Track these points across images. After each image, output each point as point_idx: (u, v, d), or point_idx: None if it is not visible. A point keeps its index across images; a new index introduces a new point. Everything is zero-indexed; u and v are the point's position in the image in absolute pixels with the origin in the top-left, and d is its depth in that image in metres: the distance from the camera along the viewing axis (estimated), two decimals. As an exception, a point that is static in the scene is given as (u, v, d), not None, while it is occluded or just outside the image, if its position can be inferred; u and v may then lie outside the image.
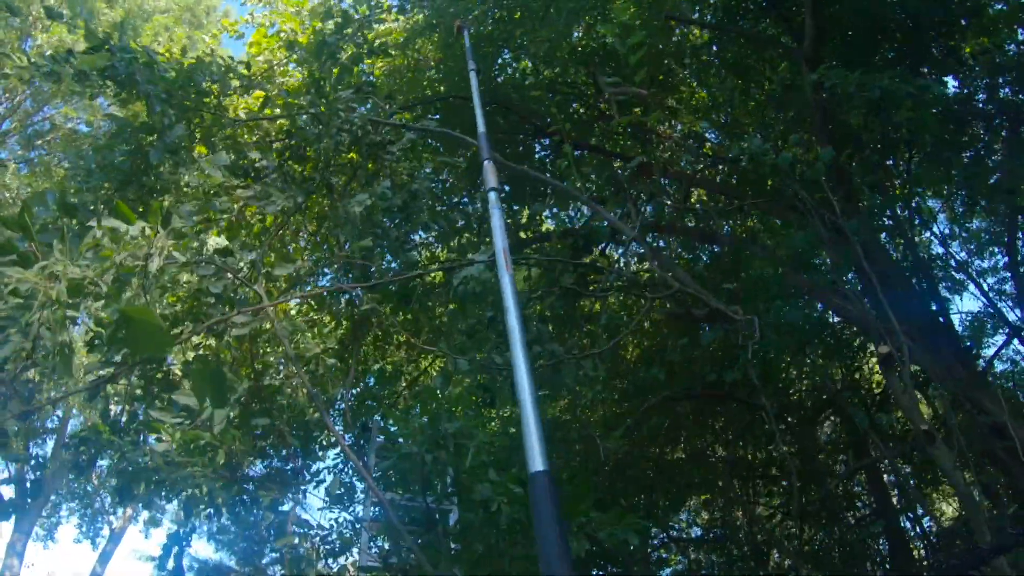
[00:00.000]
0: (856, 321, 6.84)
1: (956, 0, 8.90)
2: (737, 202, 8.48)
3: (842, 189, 7.46)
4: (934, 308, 7.30)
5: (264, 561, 14.17)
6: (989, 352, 10.89)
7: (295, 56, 7.60)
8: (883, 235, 8.18)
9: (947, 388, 5.61)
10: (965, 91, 9.55)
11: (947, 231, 11.70)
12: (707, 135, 11.84)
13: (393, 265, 7.27)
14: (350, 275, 6.44)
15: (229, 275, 5.25)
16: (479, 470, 5.83)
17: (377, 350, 11.07)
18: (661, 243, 10.53)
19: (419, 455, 5.48)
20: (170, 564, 6.39)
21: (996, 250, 12.08)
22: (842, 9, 8.92)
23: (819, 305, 8.05)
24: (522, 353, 2.02)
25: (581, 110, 11.71)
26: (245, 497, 7.51)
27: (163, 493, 6.10)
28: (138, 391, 5.77)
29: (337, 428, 8.10)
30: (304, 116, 6.70)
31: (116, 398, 6.11)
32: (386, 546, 6.27)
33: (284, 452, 7.43)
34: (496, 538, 5.42)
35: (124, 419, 5.84)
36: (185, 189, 6.62)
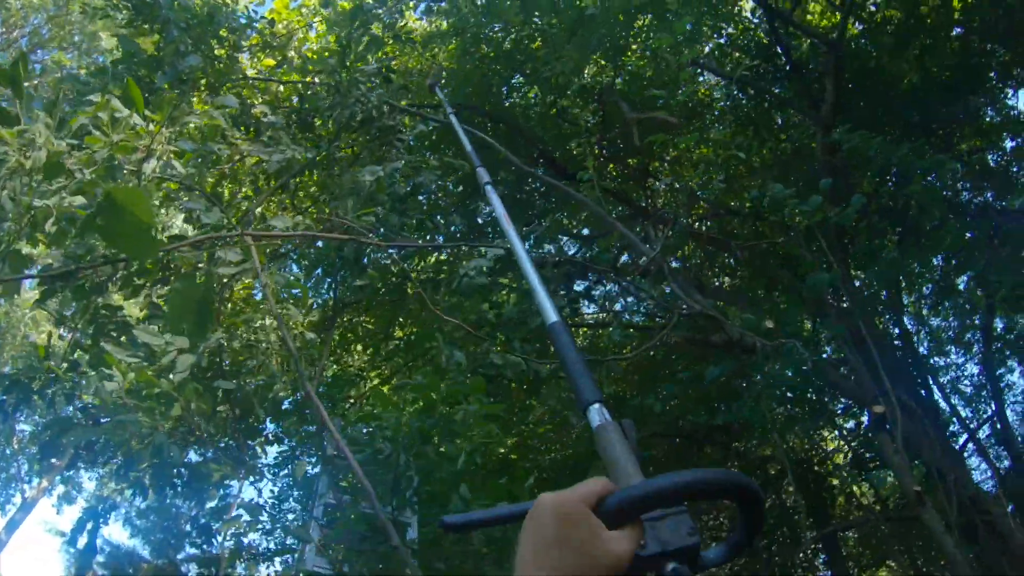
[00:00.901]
0: (848, 391, 6.83)
1: (960, 99, 9.24)
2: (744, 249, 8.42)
3: (840, 253, 7.53)
4: (918, 380, 7.33)
5: (179, 556, 13.50)
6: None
7: (328, 14, 7.41)
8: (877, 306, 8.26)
9: (930, 459, 5.60)
10: (959, 186, 9.90)
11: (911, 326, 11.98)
12: (702, 188, 11.95)
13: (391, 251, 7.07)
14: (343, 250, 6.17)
15: (218, 211, 4.88)
16: (451, 481, 5.51)
17: (342, 348, 10.77)
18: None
19: (393, 454, 5.13)
20: (82, 542, 5.89)
21: (953, 349, 12.40)
22: (858, 87, 9.19)
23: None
24: (517, 238, 2.09)
25: (582, 146, 11.75)
26: (178, 481, 7.04)
27: (97, 448, 5.63)
28: (88, 330, 5.23)
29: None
30: (320, 82, 6.49)
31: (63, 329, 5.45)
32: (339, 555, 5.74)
33: (242, 426, 6.97)
34: (463, 558, 5.09)
35: (67, 354, 5.17)
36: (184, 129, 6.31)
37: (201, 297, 3.65)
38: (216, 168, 6.46)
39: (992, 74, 9.65)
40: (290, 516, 7.87)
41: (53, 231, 3.56)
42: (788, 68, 9.18)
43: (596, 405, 1.29)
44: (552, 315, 1.59)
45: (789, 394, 6.52)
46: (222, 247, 4.77)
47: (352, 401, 10.13)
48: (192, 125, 5.02)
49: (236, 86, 6.95)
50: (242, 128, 6.46)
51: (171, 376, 4.28)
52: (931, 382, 8.82)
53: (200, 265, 4.92)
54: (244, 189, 8.01)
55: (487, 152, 7.39)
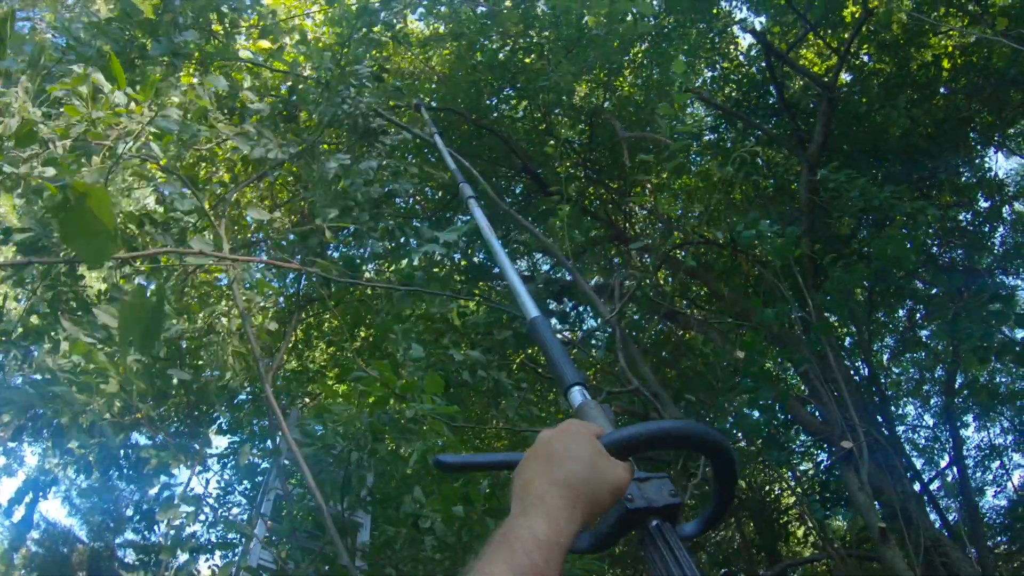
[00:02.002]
0: (813, 427, 6.85)
1: (941, 155, 9.46)
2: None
3: (813, 291, 7.60)
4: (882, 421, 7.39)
5: (117, 540, 13.05)
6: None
7: (333, 9, 7.30)
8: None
9: (893, 499, 5.61)
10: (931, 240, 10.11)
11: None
12: (680, 218, 12.05)
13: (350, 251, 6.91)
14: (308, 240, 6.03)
15: (194, 199, 4.72)
16: (405, 483, 5.34)
17: (304, 344, 10.59)
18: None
19: (344, 450, 4.95)
20: (18, 514, 5.62)
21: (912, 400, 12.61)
22: (846, 131, 9.35)
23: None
24: (500, 249, 2.13)
25: (568, 166, 11.79)
26: (124, 463, 6.77)
27: (41, 422, 5.39)
28: (43, 302, 4.99)
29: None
30: (312, 74, 6.37)
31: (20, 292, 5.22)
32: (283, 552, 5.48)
33: (195, 413, 6.76)
34: (413, 563, 4.91)
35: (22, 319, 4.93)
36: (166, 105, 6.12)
37: (151, 311, 3.43)
38: (195, 148, 6.30)
39: (972, 135, 9.91)
40: (235, 510, 7.59)
41: (20, 202, 3.39)
42: (778, 106, 9.29)
43: (578, 387, 1.37)
44: (533, 310, 1.66)
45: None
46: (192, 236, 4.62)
47: (308, 399, 9.94)
48: (176, 101, 4.88)
49: (227, 66, 6.81)
50: (225, 111, 6.30)
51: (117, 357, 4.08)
52: (894, 427, 8.92)
53: (166, 248, 4.76)
54: (221, 173, 7.83)
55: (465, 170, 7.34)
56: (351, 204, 5.77)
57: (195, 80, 5.33)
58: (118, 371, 4.15)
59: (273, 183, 7.83)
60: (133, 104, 3.77)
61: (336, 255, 6.77)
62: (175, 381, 5.37)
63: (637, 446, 1.07)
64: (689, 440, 1.13)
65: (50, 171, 3.39)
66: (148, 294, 3.64)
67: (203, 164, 7.89)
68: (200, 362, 5.92)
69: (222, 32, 6.15)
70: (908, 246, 6.53)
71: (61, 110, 3.65)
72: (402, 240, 8.33)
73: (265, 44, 7.41)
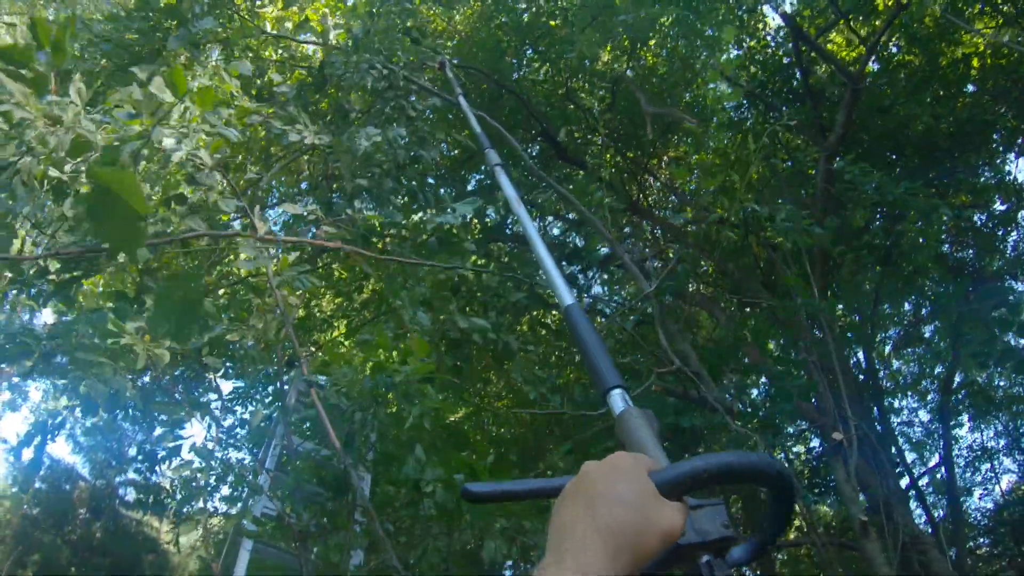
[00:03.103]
0: (808, 415, 6.94)
1: (962, 155, 9.40)
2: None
3: (821, 280, 7.64)
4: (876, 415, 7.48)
5: (118, 479, 13.31)
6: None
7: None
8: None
9: (878, 492, 5.73)
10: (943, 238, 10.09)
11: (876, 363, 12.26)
12: (695, 193, 12.00)
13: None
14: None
15: (224, 185, 4.69)
16: (406, 442, 5.43)
17: (311, 294, 10.66)
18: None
19: (349, 410, 5.05)
20: (27, 455, 5.71)
21: (909, 394, 12.70)
22: (868, 123, 9.28)
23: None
24: (529, 221, 2.00)
25: (585, 132, 11.73)
26: (131, 402, 6.87)
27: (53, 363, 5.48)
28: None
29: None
30: (342, 39, 6.33)
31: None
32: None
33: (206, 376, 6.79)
34: (411, 521, 5.03)
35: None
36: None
37: (187, 298, 3.34)
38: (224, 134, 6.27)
39: (995, 136, 9.82)
40: (238, 454, 7.77)
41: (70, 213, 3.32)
42: (803, 91, 9.21)
43: (618, 391, 1.27)
44: (568, 297, 1.54)
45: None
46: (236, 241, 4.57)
47: (313, 349, 10.04)
48: (198, 86, 4.86)
49: (251, 43, 6.75)
50: (253, 92, 6.22)
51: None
52: (889, 419, 9.03)
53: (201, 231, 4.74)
54: (251, 160, 7.73)
55: (485, 124, 7.29)
56: (375, 171, 5.78)
57: (219, 64, 5.27)
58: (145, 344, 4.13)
59: (305, 170, 7.78)
60: (183, 107, 3.71)
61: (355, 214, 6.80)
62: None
63: (695, 484, 0.96)
64: (753, 475, 1.01)
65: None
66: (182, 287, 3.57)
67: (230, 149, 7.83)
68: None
69: (244, 7, 6.08)
70: (941, 216, 6.50)
71: (112, 115, 3.56)
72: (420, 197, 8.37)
73: (294, 15, 7.35)
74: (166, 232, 3.97)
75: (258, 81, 6.05)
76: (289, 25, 7.10)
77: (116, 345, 3.68)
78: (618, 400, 1.25)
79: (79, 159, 3.10)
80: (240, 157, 7.22)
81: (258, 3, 6.56)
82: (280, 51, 7.11)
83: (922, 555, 5.36)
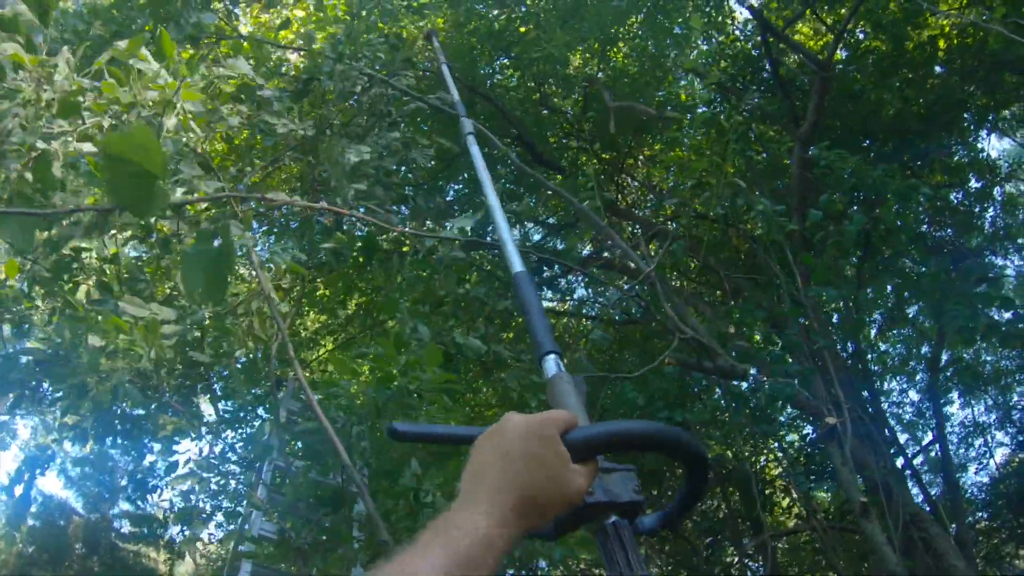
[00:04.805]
0: (799, 402, 6.96)
1: (934, 135, 9.49)
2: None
3: (803, 268, 7.68)
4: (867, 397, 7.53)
5: (112, 511, 13.16)
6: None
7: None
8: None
9: (875, 474, 5.75)
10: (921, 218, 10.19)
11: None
12: (672, 190, 12.05)
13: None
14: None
15: (219, 182, 4.68)
16: (402, 457, 5.38)
17: (295, 312, 10.60)
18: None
19: (346, 425, 5.01)
20: (17, 491, 5.65)
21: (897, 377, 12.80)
22: (839, 110, 9.36)
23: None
24: (492, 190, 2.14)
25: (560, 136, 11.78)
26: (121, 428, 6.77)
27: (40, 393, 5.42)
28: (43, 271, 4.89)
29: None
30: (324, 44, 6.30)
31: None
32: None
33: (186, 381, 6.76)
34: (410, 533, 4.98)
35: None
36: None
37: (217, 257, 3.25)
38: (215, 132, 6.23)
39: (967, 115, 9.94)
40: (233, 481, 7.71)
41: (57, 177, 3.28)
42: (772, 82, 9.29)
43: (552, 356, 1.33)
44: (517, 265, 1.62)
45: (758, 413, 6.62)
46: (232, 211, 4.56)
47: (301, 369, 9.98)
48: (202, 84, 4.83)
49: (232, 46, 6.71)
50: (243, 96, 6.21)
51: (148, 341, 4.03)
52: (879, 402, 9.08)
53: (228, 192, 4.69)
54: (241, 162, 7.70)
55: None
56: (366, 182, 5.75)
57: (216, 66, 5.23)
58: (152, 344, 4.07)
59: (291, 168, 7.75)
60: (171, 79, 3.68)
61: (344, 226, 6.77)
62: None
63: (601, 447, 1.01)
64: (660, 444, 1.08)
65: (88, 146, 3.26)
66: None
67: (218, 147, 7.79)
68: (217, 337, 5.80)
69: (222, 8, 6.06)
70: (920, 197, 6.56)
71: (99, 84, 3.54)
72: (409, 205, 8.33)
73: (267, 18, 7.28)
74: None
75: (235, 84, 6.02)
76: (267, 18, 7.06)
77: (113, 344, 3.65)
78: (552, 365, 1.31)
79: (66, 121, 3.09)
80: (222, 147, 7.15)
81: (239, 6, 6.50)
82: (258, 59, 7.10)
83: (923, 532, 5.39)
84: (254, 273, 4.95)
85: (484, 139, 7.26)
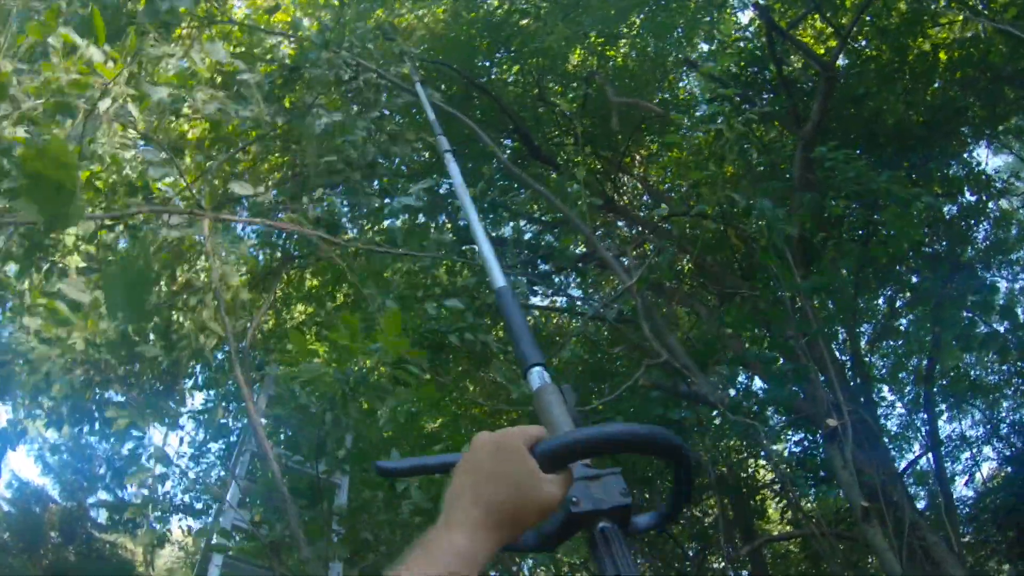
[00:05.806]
0: (797, 406, 6.85)
1: (932, 146, 9.44)
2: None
3: (802, 269, 7.57)
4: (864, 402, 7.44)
5: (89, 500, 12.88)
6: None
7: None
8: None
9: (874, 479, 5.64)
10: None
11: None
12: (670, 190, 11.96)
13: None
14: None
15: (171, 166, 4.49)
16: (381, 443, 5.21)
17: (283, 303, 10.42)
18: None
19: (318, 411, 4.80)
20: None
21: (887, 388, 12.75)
22: (842, 113, 9.28)
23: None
24: (472, 208, 2.15)
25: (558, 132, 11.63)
26: (96, 415, 6.54)
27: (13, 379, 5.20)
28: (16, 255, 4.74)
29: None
30: (312, 31, 6.13)
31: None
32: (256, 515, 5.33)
33: (173, 368, 6.52)
34: (391, 528, 4.81)
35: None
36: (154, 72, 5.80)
37: (136, 280, 3.26)
38: (180, 118, 6.03)
39: (964, 128, 9.88)
40: (212, 472, 7.50)
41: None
42: (776, 82, 9.19)
43: (538, 368, 1.33)
44: (500, 280, 1.64)
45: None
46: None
47: (285, 358, 9.79)
48: (171, 69, 4.64)
49: (223, 30, 6.52)
50: (218, 80, 6.03)
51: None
52: (875, 409, 8.99)
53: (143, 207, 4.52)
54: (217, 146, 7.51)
55: (457, 123, 7.18)
56: (342, 164, 5.59)
57: (194, 52, 5.01)
58: (86, 326, 3.94)
59: (262, 155, 7.59)
60: (111, 63, 3.54)
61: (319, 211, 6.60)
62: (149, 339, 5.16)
63: (568, 456, 1.01)
64: (632, 445, 1.09)
65: (20, 131, 3.18)
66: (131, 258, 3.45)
67: (188, 132, 7.58)
68: (174, 323, 5.59)
69: None
70: (922, 205, 6.49)
71: (34, 67, 3.39)
72: (387, 200, 8.17)
73: (262, 1, 7.13)
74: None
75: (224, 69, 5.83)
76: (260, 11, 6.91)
77: (53, 335, 3.52)
78: (536, 377, 1.31)
79: None
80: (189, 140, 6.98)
81: None
82: (250, 42, 6.90)
83: (921, 540, 5.29)
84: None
85: (477, 137, 7.14)
